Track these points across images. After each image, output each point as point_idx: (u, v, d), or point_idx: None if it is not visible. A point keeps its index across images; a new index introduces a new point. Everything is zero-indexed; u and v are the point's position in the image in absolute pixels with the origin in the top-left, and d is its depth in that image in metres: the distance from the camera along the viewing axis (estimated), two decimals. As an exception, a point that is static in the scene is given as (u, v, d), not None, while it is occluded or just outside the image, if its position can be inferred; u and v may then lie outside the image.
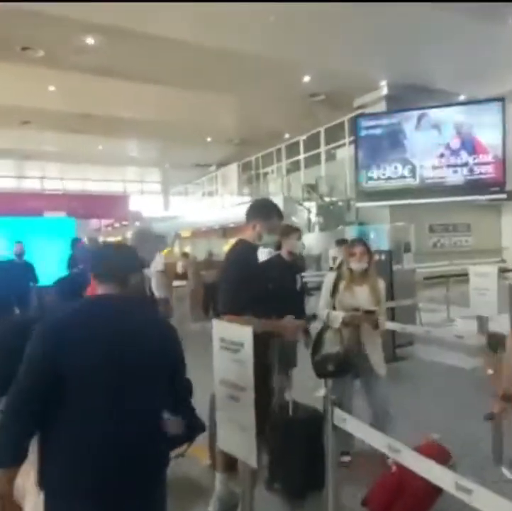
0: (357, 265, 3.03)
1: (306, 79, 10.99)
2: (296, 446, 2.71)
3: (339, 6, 7.62)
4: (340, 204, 13.59)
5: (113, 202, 14.90)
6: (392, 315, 5.32)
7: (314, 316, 3.45)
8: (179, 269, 9.35)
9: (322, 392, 4.43)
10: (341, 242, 6.30)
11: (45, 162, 20.28)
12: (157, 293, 7.24)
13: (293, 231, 3.55)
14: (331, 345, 2.90)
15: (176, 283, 9.22)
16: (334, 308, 3.04)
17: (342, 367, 2.88)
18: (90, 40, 8.56)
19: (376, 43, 9.28)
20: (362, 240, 3.24)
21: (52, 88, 11.03)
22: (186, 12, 7.55)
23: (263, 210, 2.59)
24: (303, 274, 4.00)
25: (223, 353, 1.82)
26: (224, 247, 18.60)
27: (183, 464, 2.72)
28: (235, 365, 1.74)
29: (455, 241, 13.66)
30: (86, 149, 17.52)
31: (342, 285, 3.07)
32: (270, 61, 9.62)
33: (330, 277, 3.20)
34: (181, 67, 9.87)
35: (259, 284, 2.41)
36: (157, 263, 7.36)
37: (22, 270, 6.03)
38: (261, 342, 2.25)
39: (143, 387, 1.44)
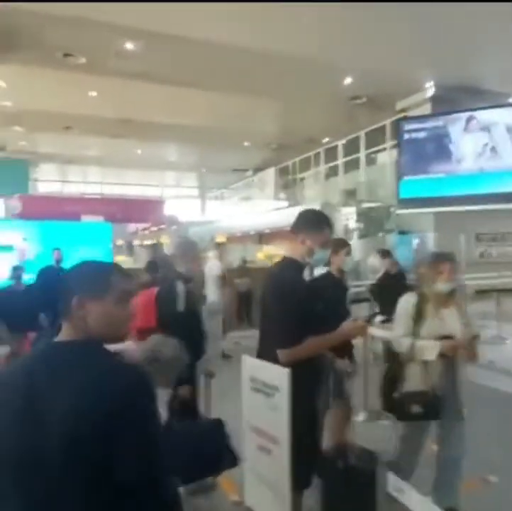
0: (445, 286, 2.55)
1: (347, 81, 10.64)
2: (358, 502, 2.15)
3: (382, 5, 7.28)
4: (380, 210, 13.10)
5: (149, 207, 15.00)
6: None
7: (374, 315, 3.22)
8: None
9: (361, 416, 4.11)
10: (384, 253, 5.92)
11: (85, 167, 20.78)
12: (212, 297, 7.16)
13: (343, 245, 3.29)
14: (414, 381, 2.48)
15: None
16: (414, 336, 2.55)
17: (432, 409, 2.44)
18: (130, 46, 8.57)
19: (421, 43, 8.84)
20: (451, 256, 2.70)
21: (93, 93, 11.18)
22: (225, 15, 7.40)
23: (313, 221, 2.26)
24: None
25: (253, 396, 1.53)
26: (259, 254, 18.50)
27: (208, 498, 2.48)
28: (268, 411, 1.45)
29: (504, 251, 12.87)
30: (125, 153, 17.80)
31: (427, 309, 2.58)
32: (311, 63, 9.37)
33: (408, 300, 2.68)
34: (220, 71, 9.76)
35: (311, 310, 2.10)
36: (213, 268, 7.26)
37: (59, 277, 6.01)
38: (309, 374, 2.01)
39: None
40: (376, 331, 3.92)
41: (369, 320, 2.99)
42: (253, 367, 1.59)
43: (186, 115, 13.04)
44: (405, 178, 11.24)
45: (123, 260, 16.09)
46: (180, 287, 2.87)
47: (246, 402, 1.59)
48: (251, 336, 3.78)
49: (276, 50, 8.73)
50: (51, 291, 4.50)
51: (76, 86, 10.60)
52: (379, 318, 4.79)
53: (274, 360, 1.99)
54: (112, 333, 1.18)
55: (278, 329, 2.06)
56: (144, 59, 9.19)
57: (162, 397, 1.91)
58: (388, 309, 4.59)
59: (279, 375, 1.42)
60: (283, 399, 1.39)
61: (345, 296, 3.25)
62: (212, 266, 7.34)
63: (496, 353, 5.52)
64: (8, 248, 7.39)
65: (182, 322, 2.48)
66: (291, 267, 2.22)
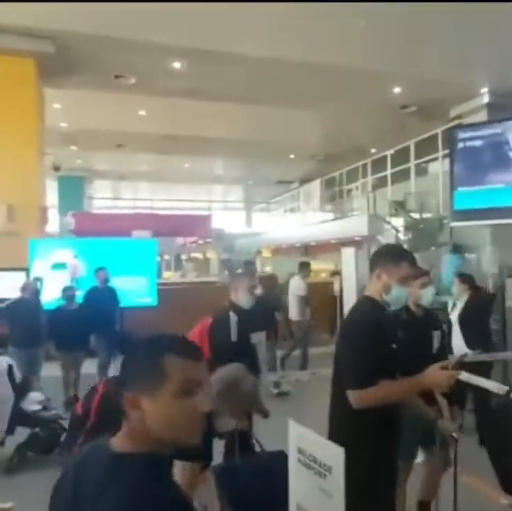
0: None
1: (397, 90, 10.31)
2: None
3: (429, 9, 6.98)
4: (432, 222, 12.54)
5: (197, 221, 15.25)
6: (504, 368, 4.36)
7: (464, 356, 2.50)
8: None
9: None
10: (465, 279, 4.88)
11: (136, 182, 21.49)
12: (295, 317, 7.15)
13: (417, 275, 2.70)
14: None
15: None
16: None
17: None
18: (177, 65, 8.73)
19: (474, 46, 8.42)
20: None
21: (142, 112, 11.52)
22: (269, 28, 7.40)
23: (390, 254, 2.12)
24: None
25: (301, 470, 1.30)
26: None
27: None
28: (318, 493, 1.21)
29: None
30: (174, 168, 18.22)
31: None
32: (358, 73, 9.15)
33: None
34: (265, 83, 9.75)
35: (386, 350, 1.94)
36: (298, 288, 7.21)
37: (108, 296, 6.10)
38: (389, 425, 1.86)
39: None
40: (474, 379, 3.08)
41: (460, 363, 2.19)
42: (300, 436, 1.36)
43: (232, 129, 13.17)
44: (460, 189, 10.67)
45: (169, 275, 16.41)
46: (233, 318, 2.90)
47: (292, 472, 1.36)
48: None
49: (322, 61, 8.61)
50: (98, 312, 4.59)
51: (127, 105, 10.96)
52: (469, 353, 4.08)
53: (345, 417, 1.87)
54: (177, 438, 0.92)
55: (348, 369, 1.91)
56: (190, 77, 9.34)
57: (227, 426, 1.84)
58: (477, 341, 4.16)
59: (333, 453, 1.17)
60: (337, 483, 1.14)
61: (429, 334, 2.74)
62: (295, 285, 7.31)
63: None
64: (61, 266, 7.65)
65: (235, 353, 2.41)
66: (365, 304, 2.09)
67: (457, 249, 11.05)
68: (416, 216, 13.09)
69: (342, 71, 9.06)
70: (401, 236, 12.50)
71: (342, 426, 1.92)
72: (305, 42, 7.94)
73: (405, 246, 12.58)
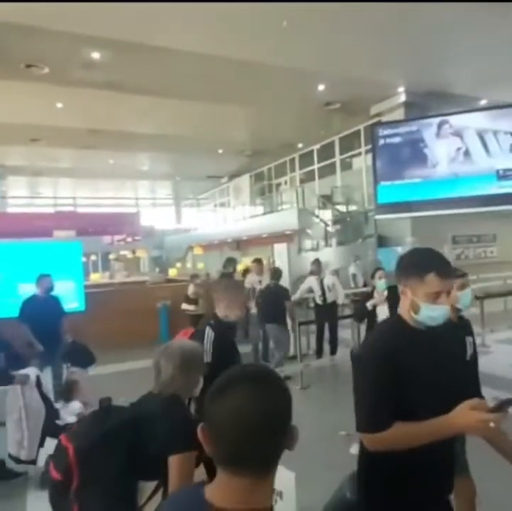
0: None
1: (321, 87, 10.56)
2: None
3: (353, 10, 7.20)
4: (358, 215, 13.09)
5: (124, 219, 14.64)
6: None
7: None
8: (192, 293, 8.75)
9: (355, 448, 3.80)
10: None
11: (56, 179, 20.20)
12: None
13: (455, 276, 2.08)
14: None
15: (184, 306, 8.73)
16: None
17: None
18: (96, 55, 8.26)
19: (392, 47, 8.84)
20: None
21: (59, 105, 10.78)
22: (196, 22, 7.20)
23: (412, 265, 1.64)
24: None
25: None
26: (239, 264, 18.25)
27: None
28: None
29: (479, 253, 13.03)
30: (97, 164, 17.34)
31: None
32: (284, 70, 9.23)
33: None
34: (192, 78, 9.53)
35: (406, 380, 1.55)
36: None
37: (52, 306, 5.58)
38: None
39: None
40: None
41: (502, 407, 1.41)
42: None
43: (159, 124, 12.78)
44: (382, 183, 11.22)
45: (97, 277, 15.59)
46: (209, 335, 2.57)
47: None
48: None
49: (247, 58, 8.58)
50: (40, 324, 4.13)
51: (41, 97, 10.19)
52: None
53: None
54: None
55: (355, 408, 1.62)
56: (111, 69, 8.89)
57: None
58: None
59: (285, 478, 1.11)
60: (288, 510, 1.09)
61: (463, 341, 2.23)
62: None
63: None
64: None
65: (207, 375, 2.05)
66: (386, 324, 1.78)
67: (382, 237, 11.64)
68: (343, 209, 13.58)
69: (268, 68, 9.09)
70: (330, 229, 12.91)
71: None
72: (231, 39, 7.85)
73: (333, 240, 13.06)
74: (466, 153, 10.59)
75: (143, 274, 20.46)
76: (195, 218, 24.49)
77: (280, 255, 7.69)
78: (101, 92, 9.99)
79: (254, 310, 6.78)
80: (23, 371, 3.70)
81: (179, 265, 22.24)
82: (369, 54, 8.95)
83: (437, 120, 10.76)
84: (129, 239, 19.00)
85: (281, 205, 16.78)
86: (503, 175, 10.32)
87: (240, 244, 20.07)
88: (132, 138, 13.74)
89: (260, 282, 6.97)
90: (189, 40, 7.72)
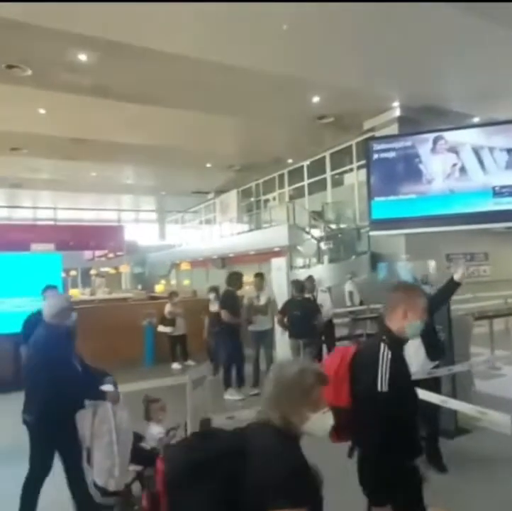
0: None
1: (316, 99, 10.31)
2: None
3: (349, 22, 6.99)
4: (350, 232, 12.76)
5: (107, 233, 14.00)
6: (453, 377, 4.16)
7: None
8: (167, 313, 8.20)
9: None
10: None
11: (37, 191, 19.48)
12: None
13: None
14: None
15: (161, 329, 8.17)
16: None
17: None
18: (82, 57, 7.81)
19: (387, 61, 8.68)
20: None
21: (42, 111, 10.26)
22: (187, 27, 6.85)
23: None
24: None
25: None
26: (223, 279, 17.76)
27: None
28: None
29: (472, 271, 12.81)
30: (79, 176, 16.76)
31: None
32: (279, 80, 8.95)
33: None
34: (182, 85, 9.16)
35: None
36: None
37: None
38: None
39: None
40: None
41: None
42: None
43: (146, 134, 12.31)
44: (377, 199, 10.94)
45: (76, 293, 14.81)
46: (386, 355, 2.12)
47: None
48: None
49: (241, 64, 8.25)
50: None
51: (23, 102, 9.67)
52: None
53: None
54: None
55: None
56: (98, 73, 8.45)
57: None
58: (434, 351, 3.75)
59: None
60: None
61: None
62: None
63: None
64: None
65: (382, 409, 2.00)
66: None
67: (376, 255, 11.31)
68: (334, 226, 13.26)
69: (262, 77, 8.79)
70: (323, 246, 12.54)
71: None
72: (225, 43, 7.51)
73: (326, 257, 12.68)
74: (462, 169, 10.41)
75: (125, 291, 19.72)
76: (179, 234, 23.95)
77: (279, 269, 7.23)
78: (86, 99, 9.52)
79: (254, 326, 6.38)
80: (104, 387, 3.02)
81: (163, 281, 21.61)
82: (365, 65, 8.76)
83: (432, 135, 10.59)
84: (111, 255, 18.33)
85: (270, 222, 16.41)
86: (499, 192, 10.15)
87: (226, 261, 19.58)
88: (117, 148, 13.26)
89: (258, 297, 6.48)
90: (180, 41, 7.34)
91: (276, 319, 6.44)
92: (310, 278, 7.09)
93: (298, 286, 6.33)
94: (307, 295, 6.60)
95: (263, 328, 6.38)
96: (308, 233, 13.03)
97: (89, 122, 11.03)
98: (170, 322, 8.05)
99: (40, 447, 2.95)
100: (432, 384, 3.63)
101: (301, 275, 9.64)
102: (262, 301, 6.41)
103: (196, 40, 7.35)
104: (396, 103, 10.90)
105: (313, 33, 7.30)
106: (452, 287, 3.45)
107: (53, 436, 2.89)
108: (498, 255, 13.07)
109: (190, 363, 8.04)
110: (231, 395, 5.90)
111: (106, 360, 7.43)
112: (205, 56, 7.80)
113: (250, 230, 17.10)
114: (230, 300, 6.18)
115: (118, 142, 12.68)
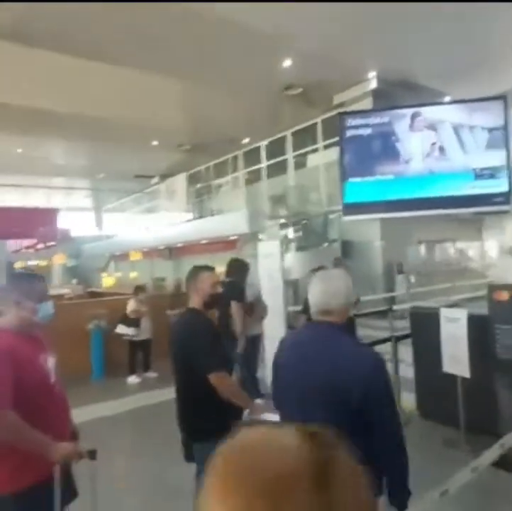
0: None
1: (287, 63, 9.03)
2: None
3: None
4: (317, 218, 11.68)
5: (37, 219, 11.81)
6: None
7: None
8: (131, 312, 6.65)
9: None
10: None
11: None
12: None
13: None
14: None
15: (121, 330, 6.63)
16: None
17: None
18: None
19: (366, 28, 7.70)
20: None
21: None
22: None
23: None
24: None
25: None
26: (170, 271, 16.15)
27: None
28: None
29: (445, 257, 12.33)
30: (3, 151, 14.24)
31: None
32: (242, 38, 7.57)
33: None
34: (119, 34, 7.44)
35: None
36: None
37: None
38: None
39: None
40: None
41: None
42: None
43: (73, 99, 10.24)
44: (351, 180, 9.89)
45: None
46: None
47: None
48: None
49: (198, 12, 6.77)
50: None
51: None
52: None
53: None
54: None
55: None
56: (21, 14, 6.58)
57: None
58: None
59: None
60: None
61: None
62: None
63: None
64: None
65: None
66: None
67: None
68: (299, 211, 12.11)
69: (225, 28, 7.34)
70: (288, 233, 11.36)
71: None
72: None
73: (292, 245, 11.51)
74: (442, 149, 9.63)
75: (57, 286, 17.43)
76: (119, 223, 21.75)
77: (268, 255, 5.86)
78: (4, 45, 7.52)
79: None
80: None
81: (105, 274, 19.51)
82: (344, 28, 7.64)
83: (410, 111, 9.68)
84: (40, 245, 15.93)
85: (223, 208, 14.96)
86: (480, 174, 9.48)
87: (174, 251, 17.93)
88: (42, 117, 11.03)
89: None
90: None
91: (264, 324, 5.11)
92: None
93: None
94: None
95: (250, 333, 4.99)
96: (271, 218, 11.77)
97: (8, 78, 8.90)
98: (134, 323, 6.50)
99: None
100: None
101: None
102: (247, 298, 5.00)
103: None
104: (372, 74, 9.92)
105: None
106: None
107: None
108: (462, 241, 12.71)
109: (151, 374, 6.52)
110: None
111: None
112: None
113: (200, 217, 15.56)
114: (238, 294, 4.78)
115: (42, 108, 10.53)
